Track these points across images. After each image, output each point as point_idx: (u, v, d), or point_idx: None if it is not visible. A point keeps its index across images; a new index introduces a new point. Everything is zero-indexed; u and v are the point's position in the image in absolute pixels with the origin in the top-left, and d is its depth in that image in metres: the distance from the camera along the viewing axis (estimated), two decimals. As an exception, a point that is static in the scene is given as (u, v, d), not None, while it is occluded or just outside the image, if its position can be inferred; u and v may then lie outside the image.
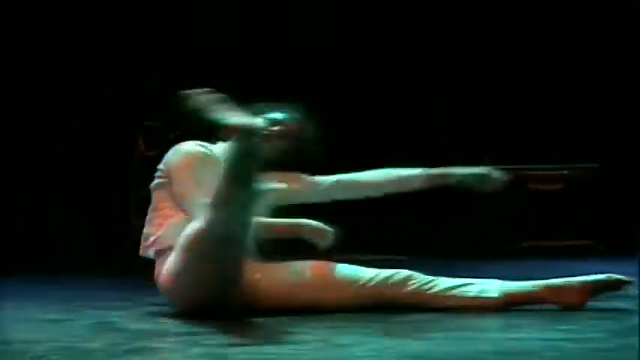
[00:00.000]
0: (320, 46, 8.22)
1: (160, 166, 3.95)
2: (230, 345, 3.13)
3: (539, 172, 7.67)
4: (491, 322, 3.43)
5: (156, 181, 3.97)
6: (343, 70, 8.30)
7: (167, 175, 3.90)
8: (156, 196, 3.97)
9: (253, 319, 3.68)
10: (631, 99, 7.62)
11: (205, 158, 3.85)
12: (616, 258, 6.20)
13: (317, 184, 4.10)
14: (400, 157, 8.34)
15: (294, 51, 8.21)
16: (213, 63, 7.98)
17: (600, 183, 7.64)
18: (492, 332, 3.24)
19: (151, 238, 3.89)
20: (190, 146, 3.89)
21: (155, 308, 4.04)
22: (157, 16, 8.11)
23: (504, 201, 7.36)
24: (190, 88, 3.77)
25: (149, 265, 3.94)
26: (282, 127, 3.99)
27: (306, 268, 3.85)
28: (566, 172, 7.65)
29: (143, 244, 3.93)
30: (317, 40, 8.23)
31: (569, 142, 8.04)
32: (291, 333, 3.35)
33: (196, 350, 3.06)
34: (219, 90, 3.72)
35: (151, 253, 3.90)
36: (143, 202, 7.77)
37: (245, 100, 3.76)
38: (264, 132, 3.54)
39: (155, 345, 3.19)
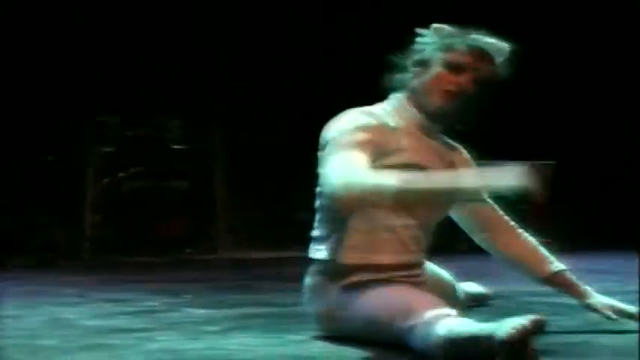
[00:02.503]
0: (320, 45, 8.23)
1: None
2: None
3: None
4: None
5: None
6: (343, 70, 8.32)
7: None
8: None
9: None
10: None
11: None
12: None
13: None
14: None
15: (294, 51, 8.21)
16: (213, 63, 7.96)
17: None
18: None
19: None
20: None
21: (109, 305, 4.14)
22: (156, 16, 8.08)
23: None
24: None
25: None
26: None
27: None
28: None
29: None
30: (317, 40, 8.24)
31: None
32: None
33: (151, 346, 2.99)
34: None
35: None
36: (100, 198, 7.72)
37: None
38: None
39: (109, 341, 3.09)
